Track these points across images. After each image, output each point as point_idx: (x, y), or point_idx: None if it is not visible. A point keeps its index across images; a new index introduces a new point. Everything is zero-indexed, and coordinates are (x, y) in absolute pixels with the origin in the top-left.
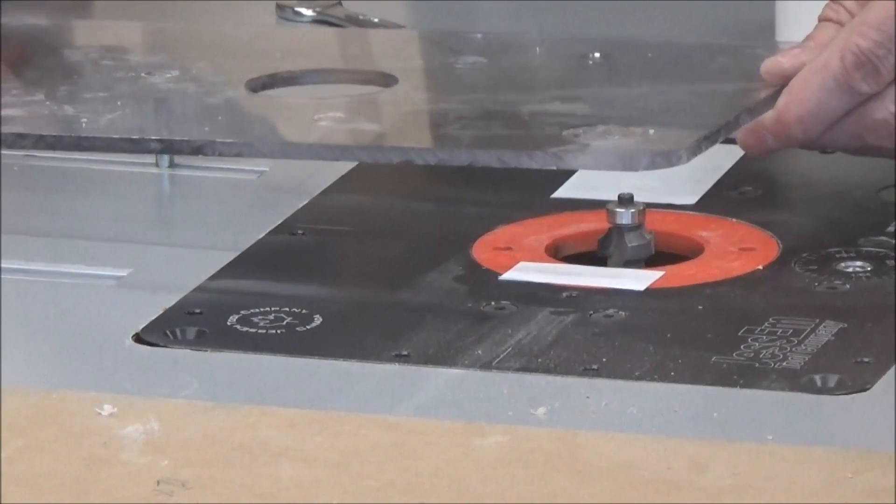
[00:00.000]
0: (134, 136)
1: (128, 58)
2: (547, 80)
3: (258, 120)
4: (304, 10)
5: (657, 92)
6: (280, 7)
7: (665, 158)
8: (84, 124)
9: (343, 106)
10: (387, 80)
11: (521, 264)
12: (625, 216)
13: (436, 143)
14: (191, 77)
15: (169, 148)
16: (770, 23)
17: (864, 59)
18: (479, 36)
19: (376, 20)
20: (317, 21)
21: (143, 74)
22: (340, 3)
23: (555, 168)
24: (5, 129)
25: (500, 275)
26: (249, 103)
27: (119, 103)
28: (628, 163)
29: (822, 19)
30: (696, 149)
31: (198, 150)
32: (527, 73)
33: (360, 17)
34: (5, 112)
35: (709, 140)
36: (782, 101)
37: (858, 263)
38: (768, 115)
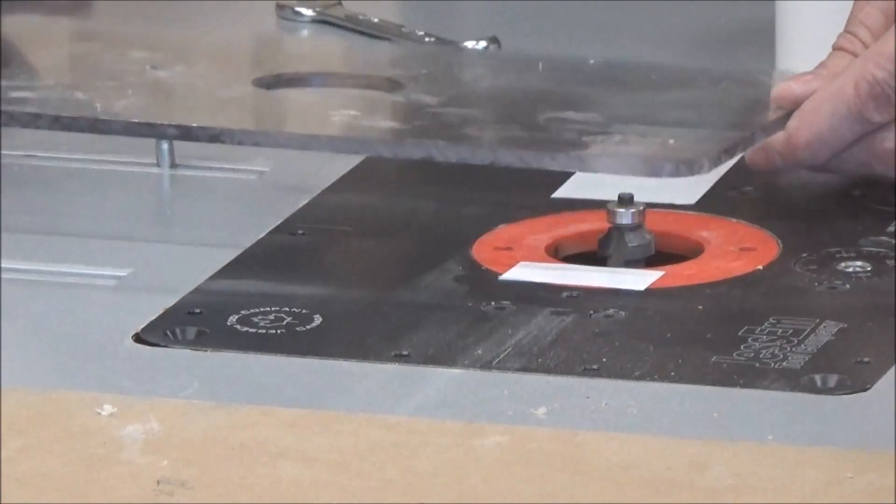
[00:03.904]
0: (151, 121)
1: (131, 54)
2: (556, 91)
3: (272, 114)
4: (304, 10)
5: (669, 108)
6: (280, 7)
7: (688, 166)
8: (99, 108)
9: (357, 104)
10: (393, 85)
11: (521, 264)
12: (625, 216)
13: (456, 142)
14: (197, 73)
15: (186, 134)
16: (770, 23)
17: (878, 90)
18: (479, 49)
19: (376, 20)
20: (317, 21)
21: (148, 68)
22: (340, 3)
23: (576, 171)
24: (20, 109)
25: (500, 275)
26: (261, 98)
27: (130, 92)
28: (651, 169)
29: (836, 48)
30: (717, 159)
31: (215, 137)
32: (535, 85)
33: (360, 17)
34: (17, 94)
35: (728, 153)
36: (793, 123)
37: (858, 263)
38: (778, 137)
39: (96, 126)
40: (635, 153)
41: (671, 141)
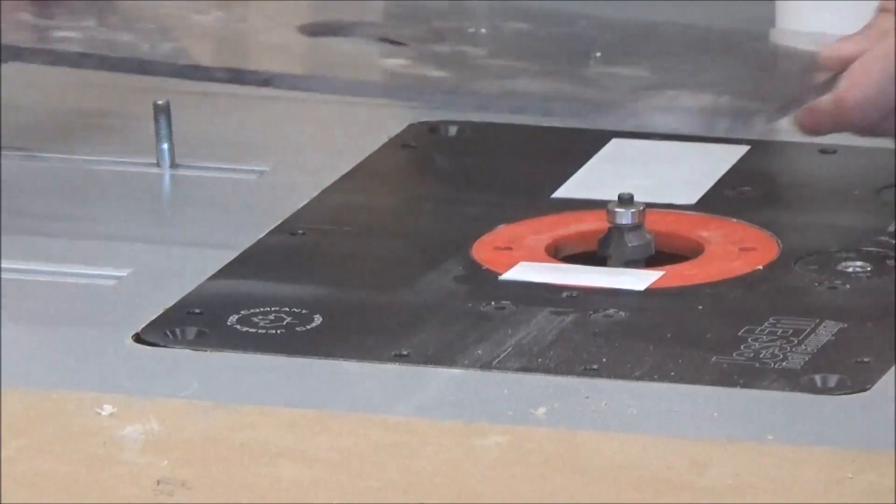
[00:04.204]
0: (202, 64)
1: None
2: (597, 48)
3: (321, 61)
4: None
5: (716, 67)
6: None
7: (745, 121)
8: (146, 49)
9: (405, 53)
10: (437, 36)
11: (521, 264)
12: (625, 216)
13: (507, 95)
14: (240, 18)
15: (237, 78)
16: (770, 23)
17: None
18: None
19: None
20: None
21: (191, 13)
22: None
23: (631, 129)
24: (65, 48)
25: (500, 275)
26: (309, 45)
27: (175, 35)
28: (709, 124)
29: (881, 10)
30: (771, 117)
31: (266, 82)
32: (574, 42)
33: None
34: (59, 34)
35: (781, 111)
36: (843, 84)
37: (858, 263)
38: (826, 98)
39: (144, 67)
40: (691, 108)
41: (724, 98)
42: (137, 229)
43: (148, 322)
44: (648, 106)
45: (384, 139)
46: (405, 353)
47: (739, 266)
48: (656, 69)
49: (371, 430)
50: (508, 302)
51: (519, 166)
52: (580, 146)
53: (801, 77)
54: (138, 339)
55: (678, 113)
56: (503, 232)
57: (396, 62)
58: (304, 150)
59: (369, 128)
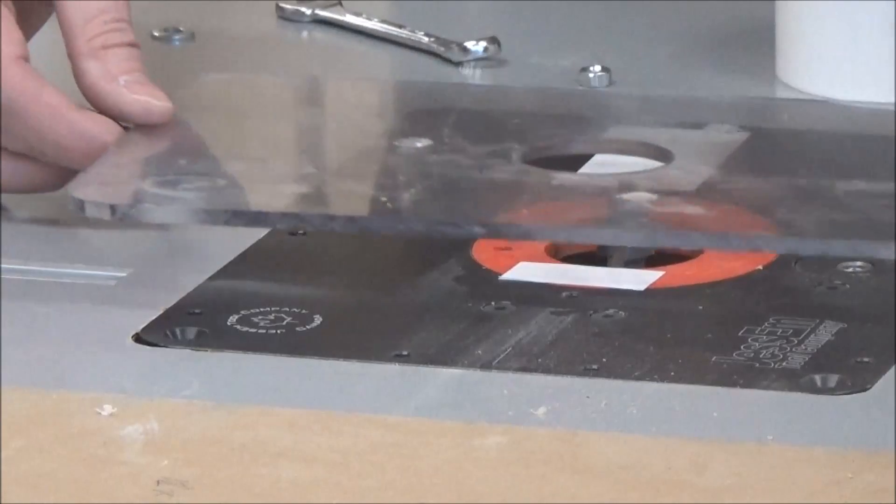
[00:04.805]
0: (454, 221)
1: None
2: (821, 151)
3: (561, 200)
4: (304, 10)
5: None
6: (280, 7)
7: None
8: (387, 203)
9: (644, 183)
10: (662, 154)
11: (521, 264)
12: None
13: (780, 231)
14: (448, 147)
15: (495, 233)
16: (770, 23)
17: None
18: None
19: (376, 20)
20: (317, 21)
21: (394, 143)
22: (340, 3)
23: None
24: (307, 210)
25: (500, 275)
26: (540, 181)
27: (401, 178)
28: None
29: None
30: None
31: (525, 234)
32: (793, 143)
33: (361, 17)
34: (280, 188)
35: None
36: None
37: (858, 263)
38: None
39: (396, 227)
40: None
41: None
42: (137, 229)
43: (148, 322)
44: None
45: None
46: (405, 353)
47: (739, 266)
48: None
49: (371, 430)
50: (508, 302)
51: None
52: None
53: None
54: (138, 339)
55: None
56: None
57: (642, 196)
58: None
59: None
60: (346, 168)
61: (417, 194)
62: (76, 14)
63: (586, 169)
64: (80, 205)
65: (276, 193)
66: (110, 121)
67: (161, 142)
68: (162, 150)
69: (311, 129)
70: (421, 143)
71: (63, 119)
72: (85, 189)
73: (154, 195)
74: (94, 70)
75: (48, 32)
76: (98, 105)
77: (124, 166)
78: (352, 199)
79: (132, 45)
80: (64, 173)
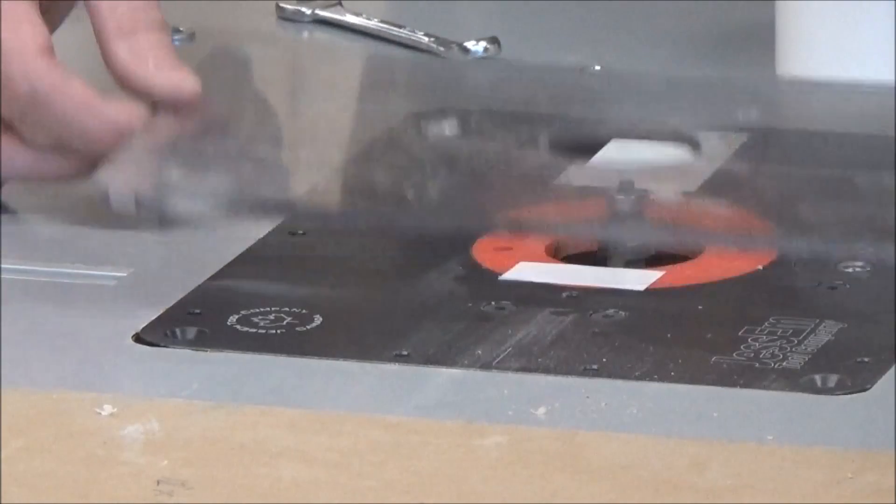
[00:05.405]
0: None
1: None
2: (821, 149)
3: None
4: (304, 10)
5: None
6: (280, 7)
7: None
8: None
9: (646, 182)
10: (690, 141)
11: (521, 264)
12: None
13: (779, 231)
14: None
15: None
16: (770, 23)
17: None
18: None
19: (376, 20)
20: (317, 21)
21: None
22: (340, 3)
23: None
24: (333, 202)
25: (500, 275)
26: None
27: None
28: None
29: None
30: None
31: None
32: (793, 142)
33: (361, 17)
34: (306, 177)
35: None
36: None
37: (858, 263)
38: None
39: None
40: None
41: None
42: (137, 229)
43: (148, 322)
44: None
45: None
46: (405, 353)
47: (739, 266)
48: None
49: (371, 430)
50: (508, 302)
51: None
52: None
53: None
54: (138, 339)
55: None
56: (503, 232)
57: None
58: None
59: None
60: (372, 159)
61: (434, 189)
62: None
63: (601, 155)
64: (106, 197)
65: (302, 183)
66: (136, 107)
67: (186, 128)
68: (186, 137)
69: (330, 119)
70: (438, 133)
71: (89, 109)
72: (111, 180)
73: (177, 187)
74: (123, 51)
75: (70, 27)
76: (129, 86)
77: (149, 156)
78: (378, 193)
79: (161, 25)
80: (90, 161)
